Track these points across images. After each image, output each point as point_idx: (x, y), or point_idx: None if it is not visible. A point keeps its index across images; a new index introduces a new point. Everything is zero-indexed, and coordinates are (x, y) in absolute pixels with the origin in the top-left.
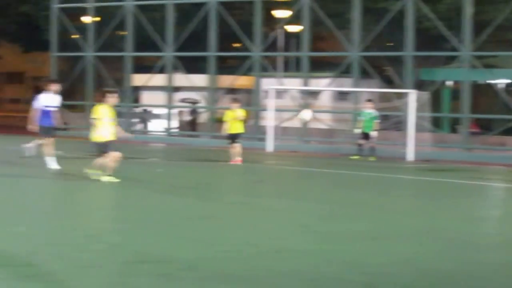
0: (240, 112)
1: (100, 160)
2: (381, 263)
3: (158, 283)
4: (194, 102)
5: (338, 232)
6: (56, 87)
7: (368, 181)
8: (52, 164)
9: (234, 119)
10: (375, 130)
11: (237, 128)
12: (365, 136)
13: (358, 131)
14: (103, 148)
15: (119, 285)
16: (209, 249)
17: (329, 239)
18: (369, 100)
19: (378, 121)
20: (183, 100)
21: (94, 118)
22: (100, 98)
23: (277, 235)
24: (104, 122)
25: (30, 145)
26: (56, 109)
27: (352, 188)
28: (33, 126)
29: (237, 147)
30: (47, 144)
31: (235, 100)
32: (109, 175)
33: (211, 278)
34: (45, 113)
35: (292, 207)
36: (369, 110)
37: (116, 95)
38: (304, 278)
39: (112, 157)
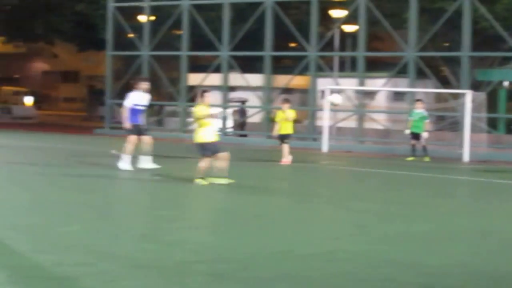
0: (290, 113)
1: (203, 164)
2: (438, 264)
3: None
4: (243, 101)
5: (394, 233)
6: (146, 85)
7: (424, 182)
8: (127, 164)
9: (284, 119)
10: (426, 130)
11: (286, 128)
12: (415, 136)
13: (407, 131)
14: (208, 149)
15: (176, 285)
16: (263, 248)
17: (384, 240)
18: (419, 100)
19: (428, 121)
20: (231, 100)
21: (197, 119)
22: (196, 97)
23: (332, 235)
24: (205, 122)
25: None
26: (144, 108)
27: (408, 188)
28: (127, 124)
29: (285, 148)
30: (133, 143)
31: (285, 101)
32: (224, 177)
33: (265, 278)
34: (134, 112)
35: (348, 208)
36: (419, 110)
37: (209, 94)
38: (357, 279)
39: (222, 158)
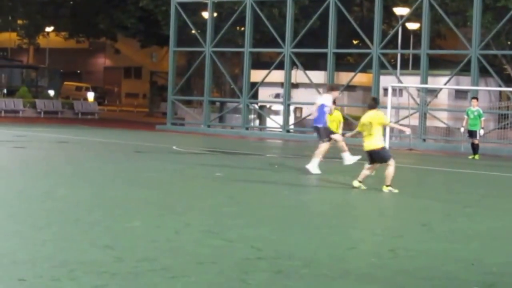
0: (336, 113)
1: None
2: (501, 262)
3: (276, 280)
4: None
5: (457, 230)
6: (337, 94)
7: (487, 180)
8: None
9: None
10: (482, 128)
11: (333, 128)
12: (472, 134)
13: (462, 129)
14: (382, 155)
15: (237, 281)
16: (326, 246)
17: (448, 238)
18: (474, 98)
19: (484, 118)
20: (276, 96)
21: (369, 124)
22: (371, 104)
23: (396, 233)
24: (379, 128)
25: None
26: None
27: (471, 187)
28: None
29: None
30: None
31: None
32: (389, 186)
33: (327, 276)
34: (322, 114)
35: (412, 205)
36: (475, 108)
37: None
38: (420, 277)
39: (391, 165)
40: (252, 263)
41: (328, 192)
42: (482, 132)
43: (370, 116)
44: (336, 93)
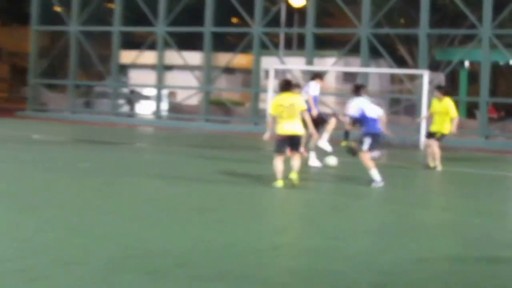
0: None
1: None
2: (393, 261)
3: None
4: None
5: (346, 226)
6: (321, 83)
7: (382, 171)
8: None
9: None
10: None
11: None
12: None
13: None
14: (300, 143)
15: (103, 283)
16: (203, 244)
17: (336, 234)
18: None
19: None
20: (131, 92)
21: (290, 107)
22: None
23: (279, 229)
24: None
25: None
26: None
27: (364, 178)
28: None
29: None
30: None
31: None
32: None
33: (203, 277)
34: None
35: (298, 198)
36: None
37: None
38: (305, 276)
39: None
40: (120, 263)
41: (208, 185)
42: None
43: (292, 99)
44: (321, 82)
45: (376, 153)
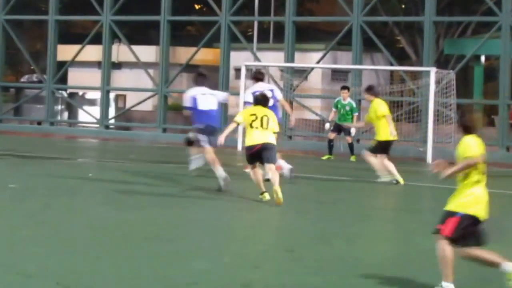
0: None
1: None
2: None
3: None
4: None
5: (333, 258)
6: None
7: (377, 190)
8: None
9: None
10: (356, 126)
11: None
12: (338, 129)
13: (328, 125)
14: (274, 153)
15: None
16: (158, 281)
17: (320, 268)
18: (345, 88)
19: (357, 114)
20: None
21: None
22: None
23: (252, 261)
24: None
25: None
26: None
27: (355, 198)
28: None
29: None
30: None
31: None
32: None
33: None
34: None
35: (275, 224)
36: (346, 101)
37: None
38: None
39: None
40: None
41: (163, 210)
42: (353, 131)
43: (265, 110)
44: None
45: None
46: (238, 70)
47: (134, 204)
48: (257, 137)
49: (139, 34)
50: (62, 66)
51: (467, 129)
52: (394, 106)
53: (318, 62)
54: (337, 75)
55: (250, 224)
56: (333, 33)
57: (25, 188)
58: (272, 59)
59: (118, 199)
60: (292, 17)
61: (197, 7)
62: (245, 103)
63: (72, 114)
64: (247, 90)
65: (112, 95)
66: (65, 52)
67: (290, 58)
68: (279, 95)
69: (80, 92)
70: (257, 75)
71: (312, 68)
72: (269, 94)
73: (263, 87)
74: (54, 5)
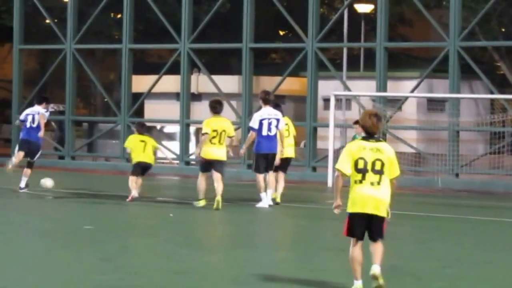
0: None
1: None
2: None
3: None
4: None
5: None
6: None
7: (481, 228)
8: None
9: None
10: None
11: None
12: None
13: None
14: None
15: None
16: None
17: None
18: (357, 122)
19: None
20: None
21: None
22: None
23: None
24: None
25: None
26: None
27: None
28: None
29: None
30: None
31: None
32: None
33: None
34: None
35: None
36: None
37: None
38: None
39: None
40: None
41: (248, 249)
42: None
43: (225, 123)
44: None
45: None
46: (326, 100)
47: (217, 246)
48: (215, 152)
49: (220, 63)
50: (137, 98)
51: None
52: (495, 137)
53: (412, 91)
54: (433, 104)
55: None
56: (428, 59)
57: (101, 229)
58: (363, 88)
59: (201, 241)
60: (383, 43)
61: (281, 33)
62: (251, 128)
63: None
64: (255, 114)
65: (192, 128)
66: (140, 83)
67: (382, 86)
68: (281, 125)
69: (158, 126)
70: (266, 96)
71: (406, 98)
72: (273, 123)
73: (270, 114)
74: (128, 33)
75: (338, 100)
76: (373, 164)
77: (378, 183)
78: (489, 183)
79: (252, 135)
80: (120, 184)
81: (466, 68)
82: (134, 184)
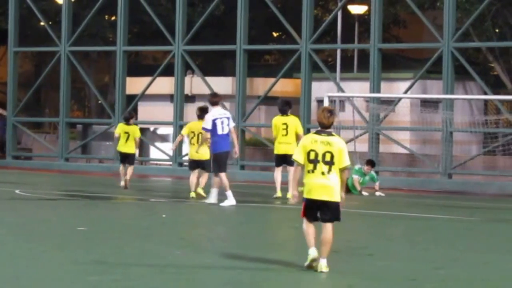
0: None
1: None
2: None
3: None
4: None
5: None
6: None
7: (473, 231)
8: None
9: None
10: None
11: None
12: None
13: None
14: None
15: None
16: None
17: None
18: (370, 163)
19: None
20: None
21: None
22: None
23: None
24: None
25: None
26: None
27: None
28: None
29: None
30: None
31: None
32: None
33: None
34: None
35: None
36: (368, 173)
37: None
38: None
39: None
40: None
41: (244, 251)
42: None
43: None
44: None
45: None
46: (320, 102)
47: (210, 246)
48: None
49: (214, 65)
50: (131, 100)
51: None
52: (489, 138)
53: (406, 91)
54: (427, 105)
55: None
56: (422, 60)
57: (95, 230)
58: (357, 89)
59: (194, 242)
60: (377, 44)
61: (275, 34)
62: (204, 129)
63: (143, 151)
64: (206, 115)
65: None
66: (135, 84)
67: (376, 88)
68: (232, 124)
69: (152, 128)
70: (214, 98)
71: (400, 99)
72: (225, 122)
73: (220, 113)
74: (122, 35)
75: (332, 101)
76: (324, 155)
77: (328, 172)
78: (483, 184)
79: (206, 135)
80: (114, 186)
81: (460, 69)
82: (122, 171)
